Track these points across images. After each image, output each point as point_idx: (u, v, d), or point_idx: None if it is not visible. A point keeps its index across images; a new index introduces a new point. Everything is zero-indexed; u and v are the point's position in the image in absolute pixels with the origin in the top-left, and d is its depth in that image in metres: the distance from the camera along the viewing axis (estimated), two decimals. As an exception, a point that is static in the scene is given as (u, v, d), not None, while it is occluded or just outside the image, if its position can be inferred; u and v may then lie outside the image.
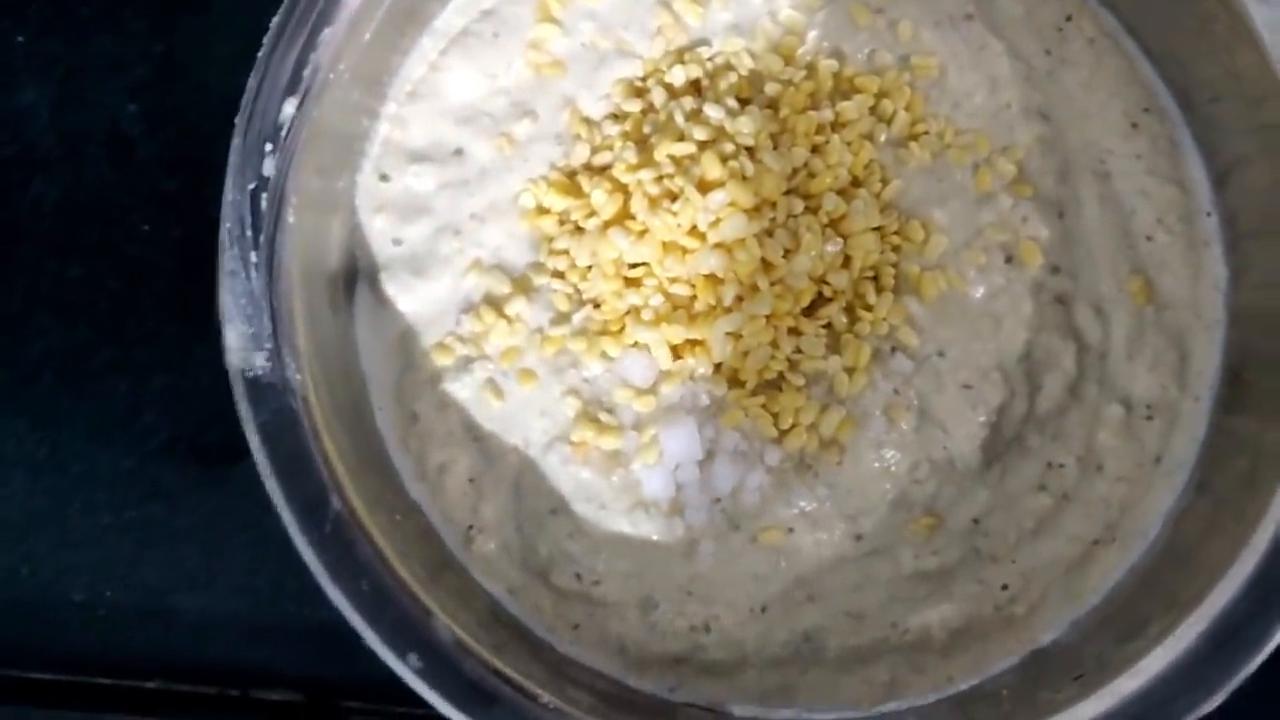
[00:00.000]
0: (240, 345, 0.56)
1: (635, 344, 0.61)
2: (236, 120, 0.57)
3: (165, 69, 0.77)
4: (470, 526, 0.61)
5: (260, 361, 0.55)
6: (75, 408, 0.74)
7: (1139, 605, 0.59)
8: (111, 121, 0.76)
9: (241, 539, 0.72)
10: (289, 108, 0.57)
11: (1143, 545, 0.61)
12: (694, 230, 0.60)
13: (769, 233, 0.60)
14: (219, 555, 0.72)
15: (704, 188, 0.60)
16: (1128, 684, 0.54)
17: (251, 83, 0.57)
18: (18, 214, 0.76)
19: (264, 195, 0.57)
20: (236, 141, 0.57)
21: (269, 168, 0.57)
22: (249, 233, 0.56)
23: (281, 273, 0.57)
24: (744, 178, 0.60)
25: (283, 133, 0.57)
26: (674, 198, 0.60)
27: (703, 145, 0.60)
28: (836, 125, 0.63)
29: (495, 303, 0.62)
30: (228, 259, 0.56)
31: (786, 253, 0.60)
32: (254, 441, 0.55)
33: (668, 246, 0.60)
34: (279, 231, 0.57)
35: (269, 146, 0.57)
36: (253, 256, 0.56)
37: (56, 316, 0.75)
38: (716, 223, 0.59)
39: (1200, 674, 0.53)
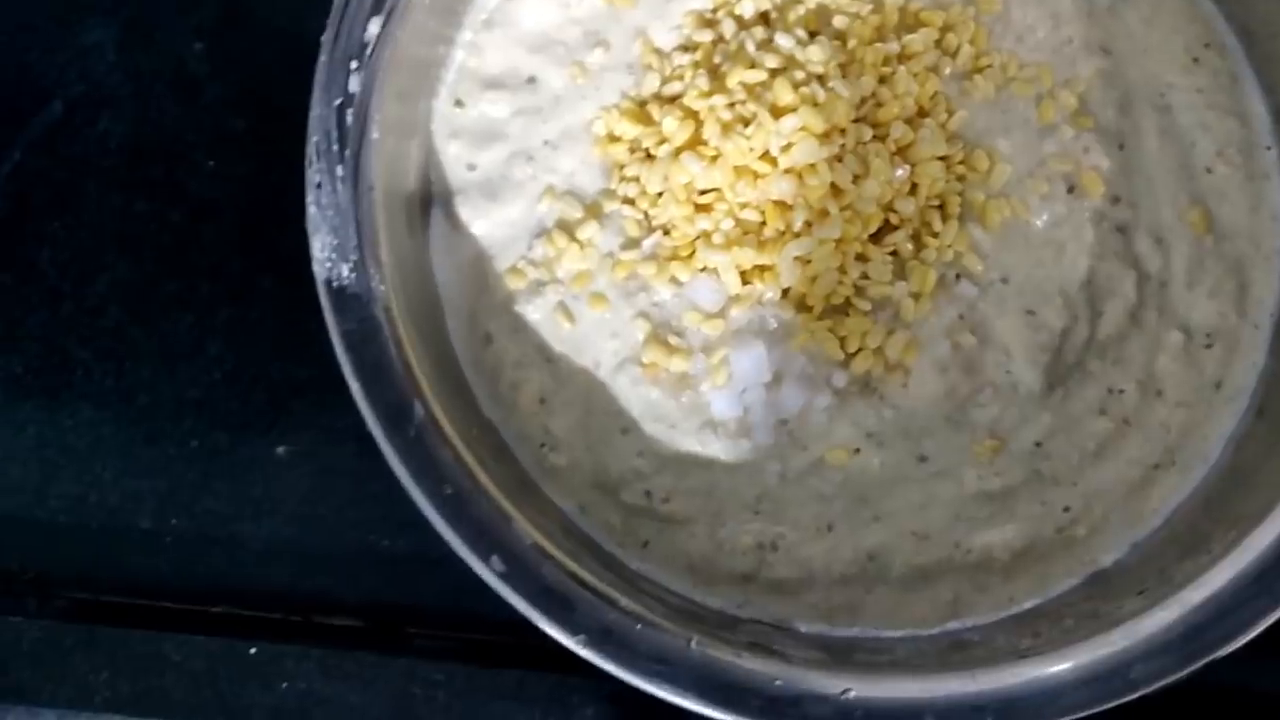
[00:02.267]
0: (326, 256, 0.57)
1: (704, 269, 0.62)
2: (323, 39, 0.59)
3: (232, 10, 0.78)
4: (542, 445, 0.62)
5: (345, 272, 0.57)
6: (141, 340, 0.75)
7: (1200, 526, 0.60)
8: (178, 61, 0.78)
9: (304, 469, 0.73)
10: (374, 27, 0.59)
11: (1203, 469, 0.62)
12: (765, 155, 0.61)
13: (838, 158, 0.61)
14: (282, 485, 0.73)
15: (776, 113, 0.61)
16: (1193, 595, 0.55)
17: (338, 1, 0.58)
18: (85, 151, 0.77)
19: (349, 111, 0.58)
20: (323, 59, 0.58)
21: (354, 84, 0.58)
22: (335, 147, 0.57)
23: (365, 187, 0.58)
24: (815, 104, 0.61)
25: (367, 51, 0.58)
26: (746, 123, 0.61)
27: (774, 73, 0.62)
28: (903, 57, 0.64)
29: (567, 228, 0.63)
30: (314, 172, 0.57)
31: (855, 179, 0.61)
32: (340, 349, 0.56)
33: (739, 171, 0.61)
34: (364, 147, 0.58)
35: (354, 64, 0.58)
36: (339, 170, 0.57)
37: (122, 251, 0.76)
38: (788, 147, 0.60)
39: (1267, 582, 0.54)
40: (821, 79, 0.62)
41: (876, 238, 0.63)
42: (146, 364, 0.74)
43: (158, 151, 0.77)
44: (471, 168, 0.64)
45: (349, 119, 0.58)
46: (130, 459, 0.73)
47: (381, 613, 0.71)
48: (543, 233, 0.63)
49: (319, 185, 0.57)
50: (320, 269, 0.56)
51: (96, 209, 0.76)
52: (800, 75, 0.61)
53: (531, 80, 0.65)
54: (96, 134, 0.77)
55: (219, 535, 0.72)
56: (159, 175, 0.76)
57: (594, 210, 0.63)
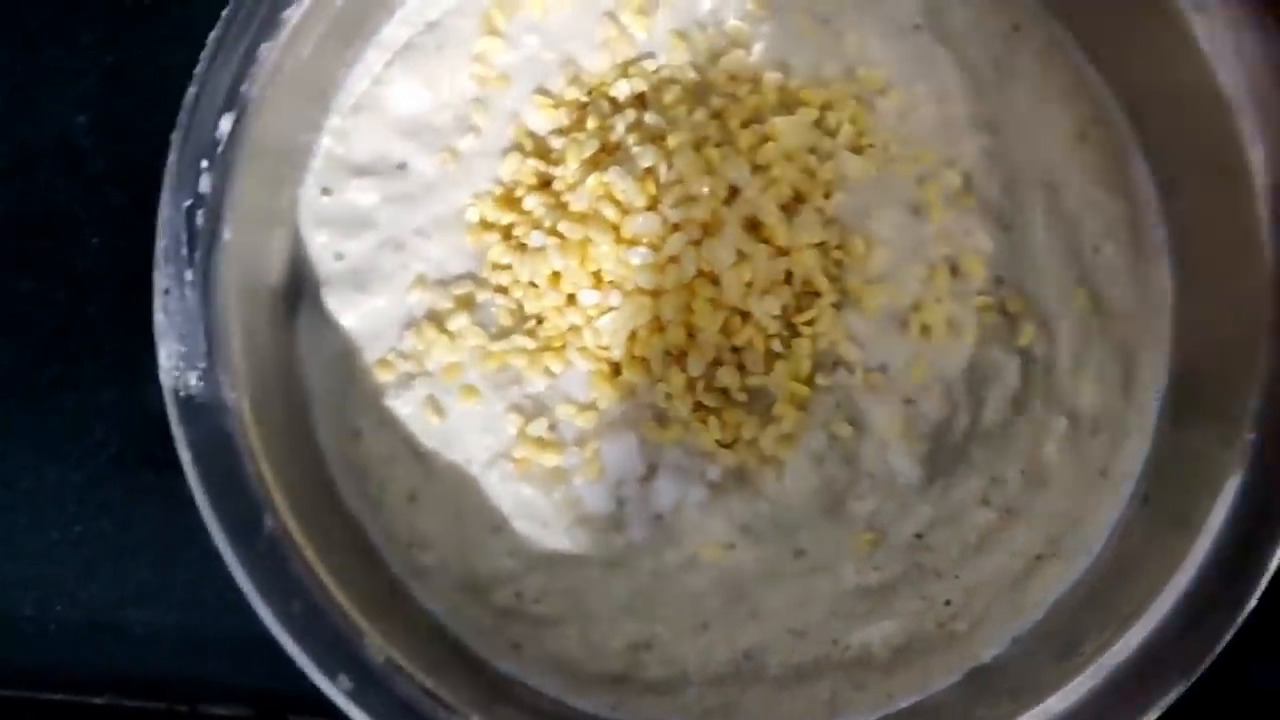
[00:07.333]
0: (173, 364, 0.55)
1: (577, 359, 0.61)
2: (172, 136, 0.57)
3: (116, 80, 0.76)
4: (410, 545, 0.61)
5: (193, 380, 0.55)
6: (23, 422, 0.73)
7: (1080, 621, 0.59)
8: (62, 133, 0.76)
9: (190, 553, 0.71)
10: (225, 123, 0.57)
11: (1086, 560, 0.61)
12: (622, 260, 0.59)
13: (708, 248, 0.60)
14: (168, 569, 0.71)
15: (645, 204, 0.59)
16: (1058, 704, 0.54)
17: (188, 98, 0.57)
18: (-35, 228, 0.76)
19: (200, 212, 0.56)
20: (172, 158, 0.57)
21: (205, 184, 0.56)
22: (184, 250, 0.56)
23: (217, 290, 0.56)
24: (686, 196, 0.59)
25: (219, 149, 0.57)
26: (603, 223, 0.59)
27: (644, 165, 0.60)
28: (780, 138, 0.62)
29: (437, 318, 0.62)
30: (162, 276, 0.56)
31: (726, 268, 0.60)
32: (186, 461, 0.55)
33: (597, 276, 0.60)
34: (215, 248, 0.56)
35: (204, 163, 0.57)
36: (188, 274, 0.56)
37: (3, 331, 0.74)
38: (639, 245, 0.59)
39: (1129, 694, 0.53)
40: (692, 165, 0.60)
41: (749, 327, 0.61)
42: (28, 447, 0.73)
43: (40, 227, 0.75)
44: (339, 257, 0.63)
45: (199, 220, 0.56)
46: (12, 545, 0.72)
47: (269, 700, 0.70)
48: (412, 324, 0.62)
49: (166, 291, 0.55)
50: (167, 378, 0.55)
51: (-22, 288, 0.75)
52: (671, 163, 0.60)
53: (401, 166, 0.63)
54: (-23, 210, 0.75)
55: (104, 622, 0.71)
56: (42, 252, 0.75)
57: (465, 300, 0.62)
